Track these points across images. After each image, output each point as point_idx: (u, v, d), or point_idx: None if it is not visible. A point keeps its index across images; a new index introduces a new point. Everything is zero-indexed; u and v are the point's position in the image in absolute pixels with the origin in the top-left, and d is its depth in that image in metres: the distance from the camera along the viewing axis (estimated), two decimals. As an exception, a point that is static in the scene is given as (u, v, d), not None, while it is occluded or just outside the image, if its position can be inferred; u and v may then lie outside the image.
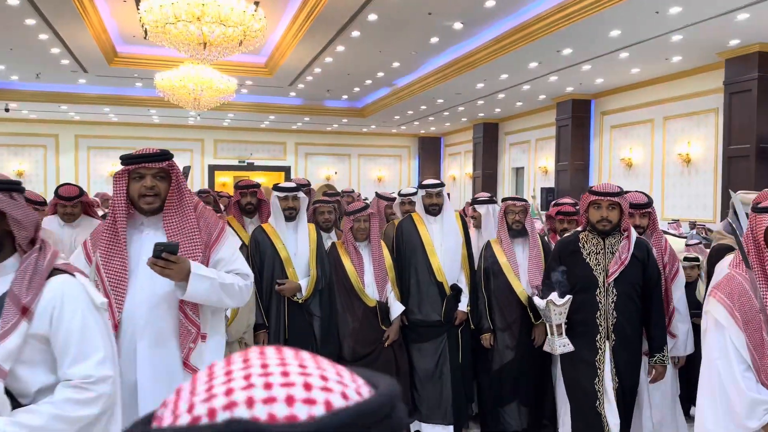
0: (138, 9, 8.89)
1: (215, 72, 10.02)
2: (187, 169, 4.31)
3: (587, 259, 3.19)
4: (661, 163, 11.57)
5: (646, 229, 3.50)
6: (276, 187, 3.83)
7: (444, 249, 4.04)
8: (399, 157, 20.80)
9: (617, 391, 3.13)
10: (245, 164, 19.10)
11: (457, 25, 9.05)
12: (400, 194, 4.83)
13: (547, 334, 3.18)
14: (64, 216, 4.24)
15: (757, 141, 8.91)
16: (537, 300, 3.10)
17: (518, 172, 16.52)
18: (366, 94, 14.78)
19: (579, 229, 3.41)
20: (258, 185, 4.29)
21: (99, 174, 17.45)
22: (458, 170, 19.40)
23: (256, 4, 7.34)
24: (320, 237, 3.94)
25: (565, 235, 3.65)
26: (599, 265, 3.17)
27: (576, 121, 13.18)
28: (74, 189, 4.33)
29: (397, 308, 3.94)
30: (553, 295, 3.07)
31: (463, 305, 4.06)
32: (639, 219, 3.47)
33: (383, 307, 3.93)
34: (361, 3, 8.01)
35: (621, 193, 3.16)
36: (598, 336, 3.14)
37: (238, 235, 4.01)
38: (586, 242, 3.22)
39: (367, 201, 5.61)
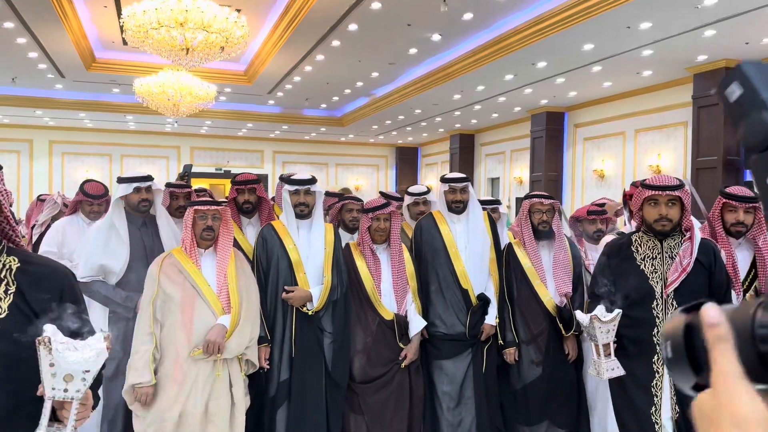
0: (119, 15, 8.91)
1: (195, 79, 10.05)
2: (188, 168, 4.25)
3: (642, 266, 2.70)
4: (632, 174, 11.88)
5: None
6: (286, 180, 3.34)
7: (469, 252, 3.53)
8: (376, 166, 20.94)
9: (678, 423, 2.64)
10: (222, 171, 19.05)
11: (436, 37, 9.24)
12: (409, 193, 4.25)
13: (592, 355, 2.66)
14: (90, 214, 4.02)
15: (724, 153, 9.23)
16: (580, 315, 2.64)
17: (494, 182, 16.77)
18: (345, 104, 14.90)
19: (631, 229, 2.91)
20: (258, 180, 3.77)
21: (73, 180, 17.21)
22: (435, 180, 19.59)
23: (238, 11, 7.42)
24: (338, 240, 3.40)
25: (610, 238, 3.14)
26: (656, 272, 2.69)
27: (550, 133, 13.47)
28: (101, 186, 4.13)
29: (417, 323, 3.40)
30: (599, 310, 2.58)
31: (491, 317, 3.53)
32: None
33: (402, 322, 3.36)
34: (342, 13, 8.14)
35: (681, 185, 2.69)
36: (656, 357, 2.65)
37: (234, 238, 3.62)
38: (641, 245, 2.73)
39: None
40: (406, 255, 3.48)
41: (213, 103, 11.12)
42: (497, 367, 3.61)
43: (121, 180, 3.43)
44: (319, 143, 19.80)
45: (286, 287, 3.21)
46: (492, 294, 3.56)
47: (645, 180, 2.74)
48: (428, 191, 4.21)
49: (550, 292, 3.49)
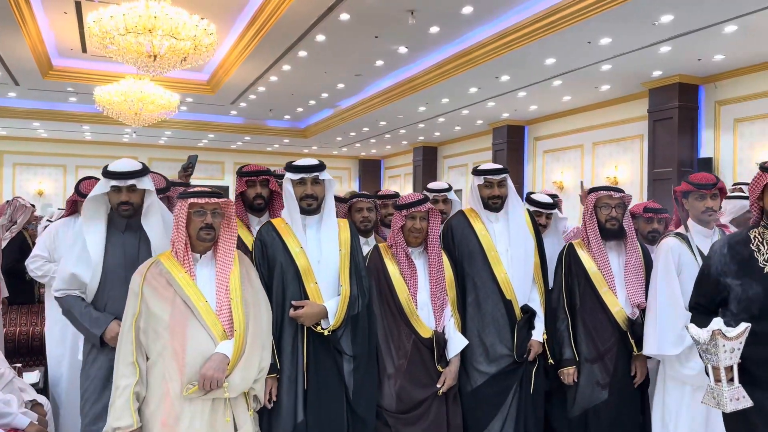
0: (80, 21, 8.72)
1: (158, 87, 9.90)
2: (193, 158, 3.72)
3: (766, 268, 2.15)
4: (590, 185, 12.21)
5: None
6: (288, 167, 2.77)
7: (512, 255, 3.02)
8: (340, 178, 20.92)
9: None
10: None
11: (402, 50, 9.35)
12: (428, 189, 3.78)
13: (710, 380, 2.06)
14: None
15: (678, 165, 9.59)
16: (695, 330, 2.05)
17: (457, 194, 16.94)
18: (309, 115, 14.89)
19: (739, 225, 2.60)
20: (269, 171, 3.16)
21: (25, 191, 16.66)
22: (399, 192, 19.74)
23: (202, 19, 7.33)
24: (356, 238, 2.82)
25: (672, 241, 2.82)
26: None
27: (511, 146, 13.77)
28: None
29: (458, 342, 2.89)
30: (718, 322, 2.03)
31: (539, 333, 3.01)
32: (711, 200, 2.82)
33: (441, 340, 2.84)
34: (311, 23, 8.16)
35: None
36: None
37: (240, 239, 2.94)
38: (762, 242, 2.21)
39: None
40: (446, 260, 2.98)
41: (175, 113, 10.96)
42: (549, 394, 3.11)
43: (105, 173, 2.69)
44: (282, 155, 19.67)
45: (293, 302, 2.60)
46: (538, 305, 3.04)
47: (765, 162, 2.25)
48: (449, 188, 3.78)
49: (620, 301, 3.02)
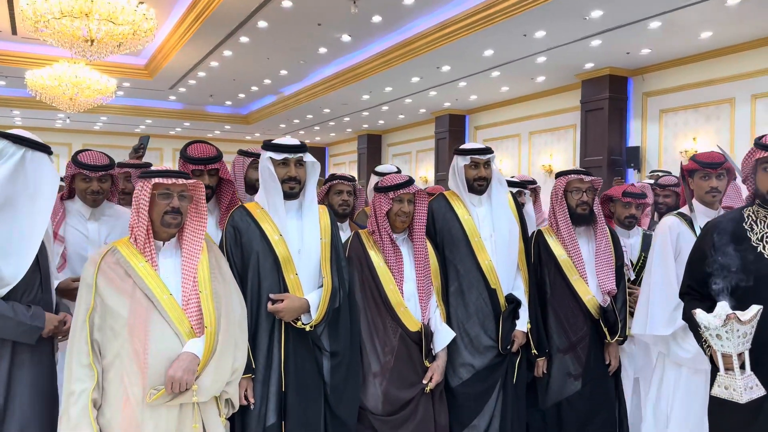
0: (10, 2, 8.38)
1: (93, 72, 9.64)
2: (145, 140, 3.40)
3: (759, 248, 2.05)
4: (527, 173, 12.66)
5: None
6: (269, 146, 2.47)
7: (496, 241, 2.85)
8: (282, 166, 20.83)
9: None
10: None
11: (345, 38, 9.43)
12: (376, 172, 3.59)
13: (718, 369, 1.93)
14: (87, 195, 2.78)
15: (608, 153, 10.10)
16: (704, 316, 1.90)
17: (399, 181, 17.21)
18: (251, 101, 14.76)
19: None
20: (219, 156, 2.71)
21: (-51, 179, 15.87)
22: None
23: (141, 3, 7.21)
24: (335, 225, 2.60)
25: (719, 214, 2.55)
26: None
27: (453, 135, 14.08)
28: (102, 156, 2.85)
29: (445, 335, 2.69)
30: (724, 306, 1.89)
31: (523, 323, 2.85)
32: (716, 180, 2.71)
33: (429, 334, 2.63)
34: (252, 9, 8.13)
35: None
36: None
37: None
38: (756, 222, 2.09)
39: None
40: (430, 247, 2.76)
41: (112, 98, 10.70)
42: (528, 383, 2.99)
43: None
44: (224, 141, 19.37)
45: (271, 295, 2.35)
46: (522, 294, 2.89)
47: (762, 137, 2.10)
48: (398, 172, 3.56)
49: (591, 289, 2.91)
